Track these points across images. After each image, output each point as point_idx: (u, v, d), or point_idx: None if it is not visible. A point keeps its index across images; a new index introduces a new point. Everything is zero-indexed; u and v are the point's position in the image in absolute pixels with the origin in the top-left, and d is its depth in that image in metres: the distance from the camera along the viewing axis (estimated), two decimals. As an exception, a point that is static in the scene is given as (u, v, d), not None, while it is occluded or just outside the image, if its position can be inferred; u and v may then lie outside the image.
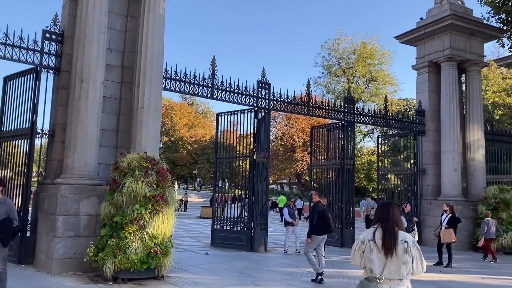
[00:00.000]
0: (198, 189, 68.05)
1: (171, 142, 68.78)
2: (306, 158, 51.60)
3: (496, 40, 18.92)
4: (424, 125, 17.53)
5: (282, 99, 14.24)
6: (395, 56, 70.32)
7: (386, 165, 19.14)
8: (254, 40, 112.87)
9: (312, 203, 10.68)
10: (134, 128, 10.34)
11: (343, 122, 15.64)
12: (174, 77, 12.16)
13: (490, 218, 13.44)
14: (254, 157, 13.75)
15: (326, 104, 15.31)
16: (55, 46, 10.34)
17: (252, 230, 13.43)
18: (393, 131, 18.73)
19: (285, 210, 14.06)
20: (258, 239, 13.47)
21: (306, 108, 14.73)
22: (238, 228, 14.00)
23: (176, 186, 53.04)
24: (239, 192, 15.46)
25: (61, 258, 8.76)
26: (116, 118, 10.83)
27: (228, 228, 14.17)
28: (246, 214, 13.97)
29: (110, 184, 8.70)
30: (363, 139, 49.98)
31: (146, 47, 10.58)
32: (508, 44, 19.29)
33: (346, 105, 15.66)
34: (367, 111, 16.22)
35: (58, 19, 10.49)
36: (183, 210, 35.64)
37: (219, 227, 14.34)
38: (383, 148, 19.29)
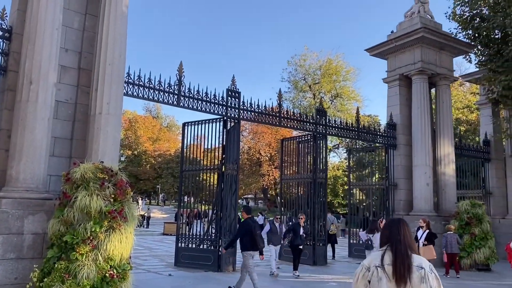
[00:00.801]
0: (162, 204, 66.10)
1: (134, 155, 66.81)
2: (273, 173, 51.10)
3: (464, 56, 19.02)
4: (395, 139, 17.23)
5: (252, 109, 13.52)
6: (360, 73, 71.43)
7: (356, 179, 18.67)
8: (222, 53, 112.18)
9: (242, 219, 10.37)
10: (90, 135, 9.31)
11: (315, 134, 15.07)
12: (137, 82, 11.23)
13: (451, 232, 13.07)
14: (223, 169, 12.91)
15: (298, 115, 14.70)
16: (1, 43, 9.23)
17: (220, 249, 12.51)
18: (363, 144, 18.36)
19: (267, 227, 13.41)
20: (226, 258, 12.55)
21: (277, 118, 14.07)
22: (205, 246, 13.05)
23: (140, 202, 51.27)
24: (206, 207, 14.52)
25: (-1, 284, 7.58)
26: (70, 125, 9.77)
27: (193, 246, 13.19)
28: (213, 231, 13.05)
29: (60, 198, 7.64)
30: (329, 154, 50.16)
31: (106, 48, 9.63)
32: (475, 60, 19.44)
33: (318, 116, 15.10)
34: (339, 123, 15.72)
35: (6, 13, 9.39)
36: (145, 226, 34.14)
37: (184, 245, 13.33)
38: (352, 163, 18.87)
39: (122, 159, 60.33)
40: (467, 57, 19.25)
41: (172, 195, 67.99)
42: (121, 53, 9.79)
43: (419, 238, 11.62)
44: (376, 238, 10.87)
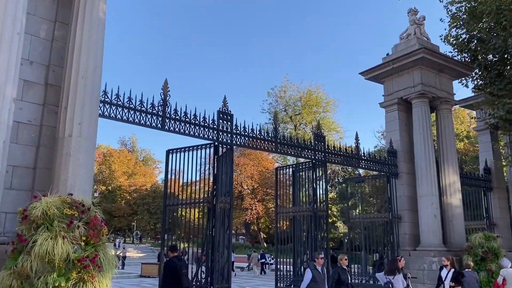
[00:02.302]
0: (138, 242, 62.82)
1: (108, 191, 63.81)
2: (256, 206, 49.26)
3: (459, 80, 18.19)
4: (396, 167, 15.96)
5: (246, 133, 12.03)
6: (339, 104, 71.61)
7: (343, 212, 17.22)
8: (208, 75, 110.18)
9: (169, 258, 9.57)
10: (58, 163, 7.63)
11: (314, 161, 13.65)
12: (116, 102, 9.63)
13: (469, 270, 11.45)
14: (214, 202, 11.25)
15: (295, 141, 13.26)
16: None
17: (211, 296, 10.69)
18: (358, 173, 17.02)
19: (308, 275, 8.85)
20: (219, 307, 10.72)
21: (274, 144, 12.61)
22: (193, 293, 11.20)
23: (117, 241, 47.85)
24: (194, 247, 12.71)
25: None
26: (34, 151, 8.07)
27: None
28: (203, 275, 11.23)
29: (13, 242, 5.85)
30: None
31: (79, 58, 8.11)
32: (472, 84, 18.65)
33: (316, 142, 13.72)
34: (338, 149, 14.36)
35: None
36: (120, 267, 31.52)
37: (168, 293, 11.41)
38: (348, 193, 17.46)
39: (96, 194, 57.39)
40: (463, 81, 18.46)
41: (148, 233, 64.88)
42: (97, 65, 8.25)
43: (443, 279, 10.12)
44: (398, 280, 9.29)
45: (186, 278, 9.03)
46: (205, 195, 11.66)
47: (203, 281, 11.10)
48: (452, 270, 10.12)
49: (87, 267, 5.65)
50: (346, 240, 47.99)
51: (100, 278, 5.81)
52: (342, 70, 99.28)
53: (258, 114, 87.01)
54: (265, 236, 56.56)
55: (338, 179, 47.20)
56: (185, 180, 11.91)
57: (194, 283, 11.23)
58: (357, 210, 17.38)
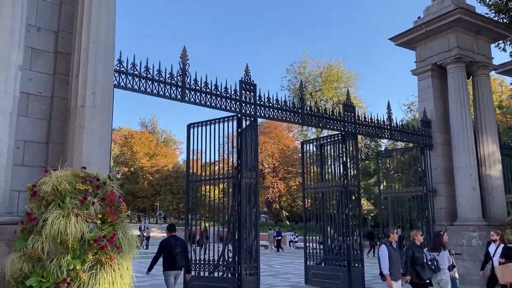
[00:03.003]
0: (162, 222, 63.32)
1: (130, 172, 64.25)
2: (277, 185, 48.74)
3: (496, 44, 16.90)
4: (431, 138, 14.96)
5: (271, 104, 11.24)
6: (362, 79, 69.83)
7: (390, 185, 16.29)
8: (222, 51, 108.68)
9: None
10: (71, 136, 7.01)
11: (343, 133, 12.80)
12: (132, 71, 8.94)
13: None
14: (239, 178, 10.58)
15: (323, 112, 12.40)
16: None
17: (240, 277, 10.12)
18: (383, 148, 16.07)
19: (384, 250, 7.88)
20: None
21: (300, 115, 11.79)
22: (220, 273, 10.66)
23: (143, 221, 47.68)
24: (220, 226, 12.15)
25: None
26: (46, 124, 7.49)
27: (206, 274, 10.79)
28: (230, 254, 10.67)
29: (22, 221, 5.26)
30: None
31: (89, 23, 7.38)
32: (511, 48, 17.33)
33: (346, 112, 12.82)
34: (369, 120, 13.44)
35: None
36: (145, 247, 31.53)
37: (194, 273, 10.91)
38: (385, 166, 16.54)
39: (118, 175, 57.76)
40: (500, 45, 17.16)
41: (172, 212, 65.34)
42: (109, 28, 7.53)
43: (492, 255, 9.29)
44: (443, 257, 8.49)
45: (180, 257, 8.99)
46: (230, 171, 11.01)
47: (230, 261, 10.53)
48: (502, 245, 9.25)
49: (105, 248, 5.04)
50: (370, 217, 47.22)
51: (119, 260, 5.20)
52: (365, 43, 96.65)
53: (278, 91, 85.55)
54: (287, 214, 56.19)
55: (360, 156, 46.12)
56: (208, 155, 11.24)
57: (221, 262, 10.69)
58: (383, 186, 16.53)
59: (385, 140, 48.18)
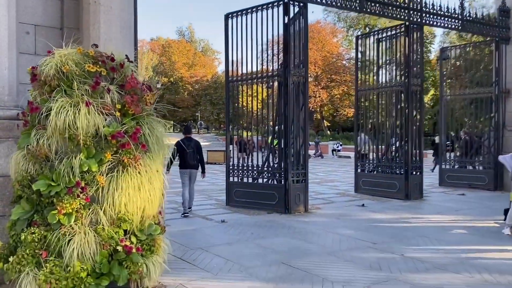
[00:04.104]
0: (205, 131, 64.08)
1: (170, 83, 63.85)
2: (319, 94, 47.01)
3: None
4: (509, 29, 12.74)
5: (324, -14, 9.44)
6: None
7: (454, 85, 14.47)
8: None
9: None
10: (85, 16, 5.77)
11: (407, 24, 10.92)
12: None
13: None
14: (285, 75, 9.23)
15: (385, -3, 10.43)
16: None
17: (286, 184, 9.20)
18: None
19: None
20: (295, 196, 9.26)
21: (358, 1, 9.95)
22: (265, 180, 9.80)
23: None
24: (264, 133, 11.09)
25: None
26: (58, 6, 6.24)
27: (249, 181, 9.96)
28: (276, 160, 9.69)
29: (24, 113, 4.26)
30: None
31: None
32: None
33: (411, -1, 10.80)
34: (437, 8, 11.37)
35: None
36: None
37: (236, 179, 10.13)
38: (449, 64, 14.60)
39: (159, 86, 57.48)
40: None
41: (213, 123, 65.65)
42: None
43: None
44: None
45: (192, 157, 9.29)
46: (275, 67, 9.64)
47: (275, 166, 9.58)
48: None
49: (126, 145, 4.00)
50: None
51: (146, 161, 4.18)
52: None
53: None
54: (328, 124, 54.95)
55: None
56: (249, 50, 9.81)
57: (265, 168, 9.77)
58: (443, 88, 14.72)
59: (437, 40, 44.36)
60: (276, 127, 9.87)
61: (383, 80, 11.94)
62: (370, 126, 12.50)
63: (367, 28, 44.77)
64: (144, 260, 4.09)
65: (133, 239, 4.11)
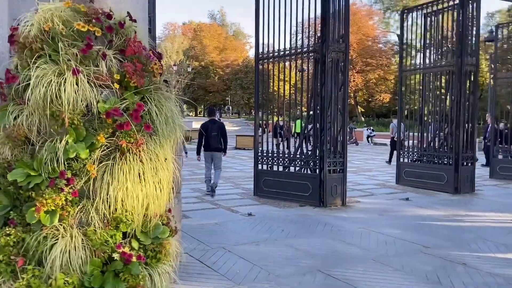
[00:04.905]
0: (235, 115, 63.47)
1: (201, 67, 63.32)
2: (354, 78, 45.38)
3: None
4: None
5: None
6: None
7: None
8: None
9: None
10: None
11: (462, -6, 9.65)
12: None
13: None
14: (323, 51, 8.20)
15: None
16: None
17: (322, 174, 8.24)
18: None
19: None
20: (331, 187, 8.30)
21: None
22: (297, 169, 8.87)
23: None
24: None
25: None
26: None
27: (280, 169, 9.05)
28: (310, 147, 8.74)
29: (1, 84, 3.45)
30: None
31: None
32: None
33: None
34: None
35: None
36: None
37: (265, 167, 9.25)
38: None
39: (189, 69, 56.99)
40: None
41: (243, 107, 64.94)
42: None
43: None
44: None
45: (215, 140, 9.39)
46: (311, 42, 8.63)
47: (309, 154, 8.63)
48: None
49: (125, 126, 3.13)
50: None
51: (152, 147, 3.31)
52: None
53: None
54: (362, 110, 53.15)
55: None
56: (281, 24, 8.82)
57: (298, 156, 8.83)
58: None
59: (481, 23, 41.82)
60: (311, 111, 8.88)
61: (431, 59, 10.69)
62: (415, 111, 11.31)
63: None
64: (148, 271, 3.26)
65: (135, 244, 3.27)
